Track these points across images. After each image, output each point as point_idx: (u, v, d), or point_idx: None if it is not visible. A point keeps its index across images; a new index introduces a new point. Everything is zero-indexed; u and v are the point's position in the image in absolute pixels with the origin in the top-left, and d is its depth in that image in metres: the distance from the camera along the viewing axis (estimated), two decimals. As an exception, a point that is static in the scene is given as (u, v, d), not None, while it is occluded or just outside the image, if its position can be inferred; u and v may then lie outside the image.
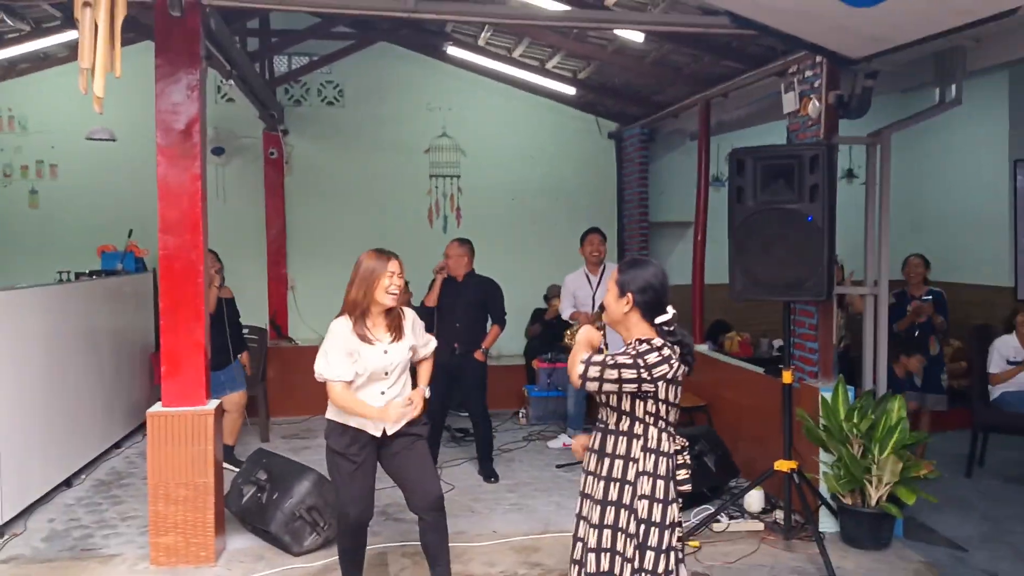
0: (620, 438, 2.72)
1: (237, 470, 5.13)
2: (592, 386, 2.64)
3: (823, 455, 4.84)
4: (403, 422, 3.57)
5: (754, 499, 5.12)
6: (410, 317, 3.68)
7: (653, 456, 2.69)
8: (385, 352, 3.55)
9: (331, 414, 3.64)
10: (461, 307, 5.92)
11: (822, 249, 4.38)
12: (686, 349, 2.71)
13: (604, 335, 2.91)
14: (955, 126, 8.40)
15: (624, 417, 2.72)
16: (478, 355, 5.96)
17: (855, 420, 4.64)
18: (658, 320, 2.69)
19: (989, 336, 6.39)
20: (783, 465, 4.67)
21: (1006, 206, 8.02)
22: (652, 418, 2.69)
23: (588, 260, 6.56)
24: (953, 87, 4.89)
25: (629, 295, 2.70)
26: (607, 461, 2.74)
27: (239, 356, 6.29)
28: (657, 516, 2.65)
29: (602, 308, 2.85)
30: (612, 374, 2.59)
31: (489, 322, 6.14)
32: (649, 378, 2.59)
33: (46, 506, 5.25)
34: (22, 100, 7.99)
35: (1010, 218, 7.99)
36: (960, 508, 5.37)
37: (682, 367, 2.68)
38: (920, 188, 9.22)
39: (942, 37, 3.98)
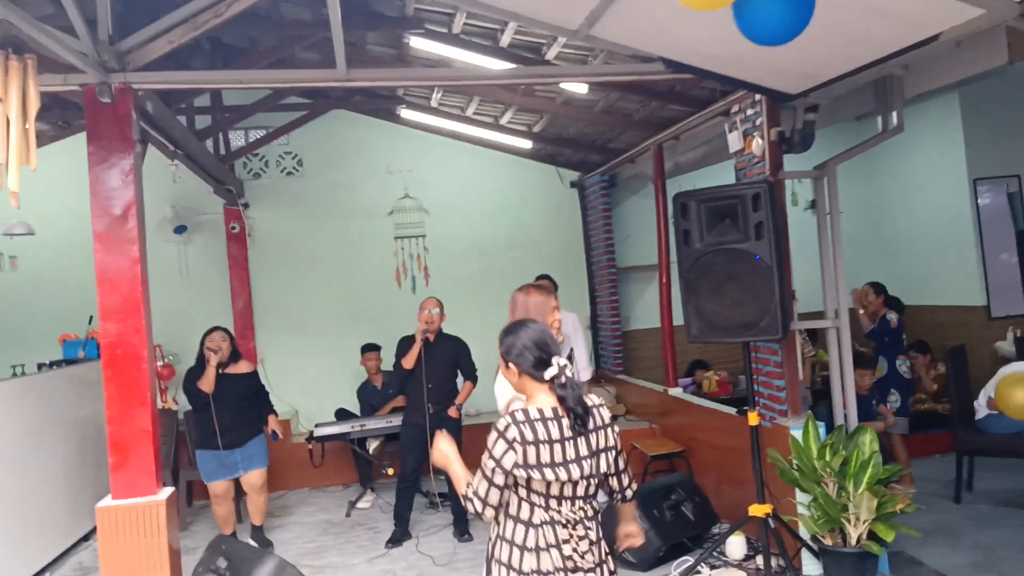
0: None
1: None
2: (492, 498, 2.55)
3: (799, 495, 4.71)
4: None
5: (735, 546, 4.98)
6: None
7: (511, 523, 2.59)
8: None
9: None
10: (433, 367, 5.85)
11: (773, 287, 4.32)
12: (575, 403, 2.55)
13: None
14: (913, 150, 8.46)
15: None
16: (452, 412, 5.93)
17: (827, 458, 4.53)
18: (547, 376, 2.58)
19: (964, 357, 6.31)
20: (758, 510, 4.55)
21: (970, 225, 8.01)
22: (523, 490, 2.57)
23: None
24: (894, 114, 4.91)
25: (512, 365, 2.64)
26: None
27: (265, 426, 6.06)
28: None
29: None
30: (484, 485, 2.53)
31: (460, 380, 6.12)
32: (502, 469, 2.51)
33: (5, 611, 5.07)
34: (-22, 194, 7.95)
35: (976, 237, 7.98)
36: (950, 537, 5.23)
37: (536, 448, 2.49)
38: (885, 214, 9.24)
39: (869, 68, 4.00)
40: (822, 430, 4.78)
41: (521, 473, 2.49)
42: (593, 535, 2.59)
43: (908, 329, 8.65)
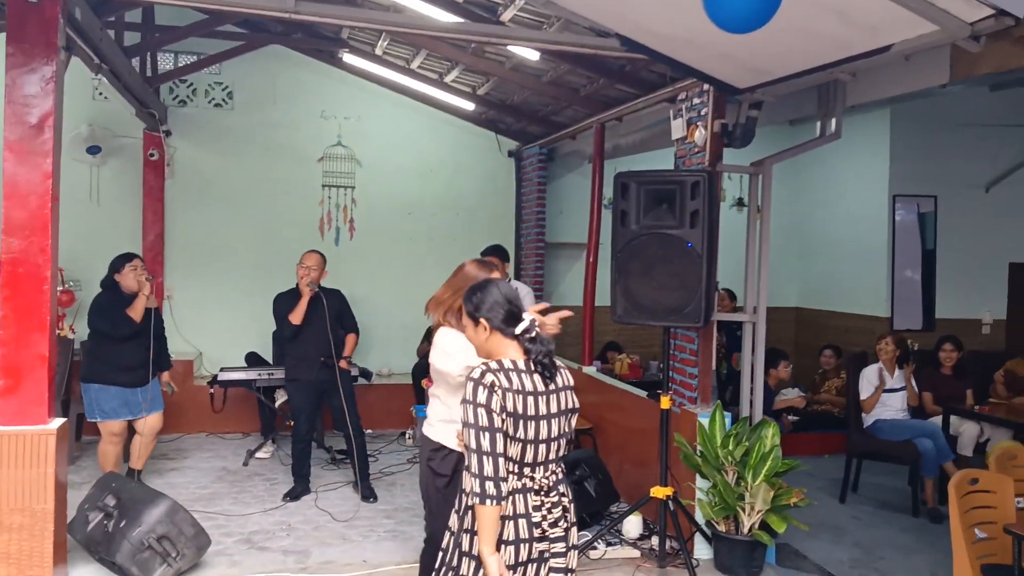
0: None
1: None
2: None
3: (700, 481, 4.83)
4: None
5: (632, 525, 5.08)
6: None
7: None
8: None
9: (446, 438, 3.43)
10: (320, 321, 5.73)
11: (700, 276, 4.38)
12: (543, 356, 2.54)
13: None
14: (842, 159, 8.73)
15: None
16: (344, 364, 5.86)
17: (730, 447, 4.64)
18: (519, 331, 2.55)
19: (865, 364, 6.58)
20: (659, 492, 4.64)
21: (885, 239, 8.34)
22: None
23: None
24: (833, 121, 5.01)
25: (483, 320, 2.59)
26: None
27: (160, 374, 5.78)
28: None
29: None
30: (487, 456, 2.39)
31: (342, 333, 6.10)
32: (490, 412, 2.41)
33: None
34: None
35: (888, 251, 8.31)
36: (833, 533, 5.46)
37: (515, 395, 2.44)
38: (808, 217, 9.53)
39: (820, 71, 4.06)
40: (728, 420, 4.90)
41: (507, 421, 2.42)
42: (567, 501, 2.59)
43: (817, 332, 9.00)
